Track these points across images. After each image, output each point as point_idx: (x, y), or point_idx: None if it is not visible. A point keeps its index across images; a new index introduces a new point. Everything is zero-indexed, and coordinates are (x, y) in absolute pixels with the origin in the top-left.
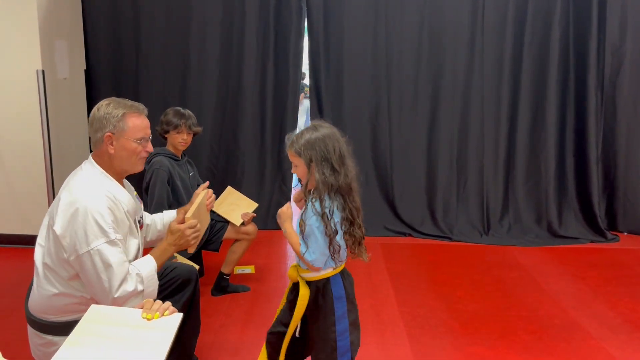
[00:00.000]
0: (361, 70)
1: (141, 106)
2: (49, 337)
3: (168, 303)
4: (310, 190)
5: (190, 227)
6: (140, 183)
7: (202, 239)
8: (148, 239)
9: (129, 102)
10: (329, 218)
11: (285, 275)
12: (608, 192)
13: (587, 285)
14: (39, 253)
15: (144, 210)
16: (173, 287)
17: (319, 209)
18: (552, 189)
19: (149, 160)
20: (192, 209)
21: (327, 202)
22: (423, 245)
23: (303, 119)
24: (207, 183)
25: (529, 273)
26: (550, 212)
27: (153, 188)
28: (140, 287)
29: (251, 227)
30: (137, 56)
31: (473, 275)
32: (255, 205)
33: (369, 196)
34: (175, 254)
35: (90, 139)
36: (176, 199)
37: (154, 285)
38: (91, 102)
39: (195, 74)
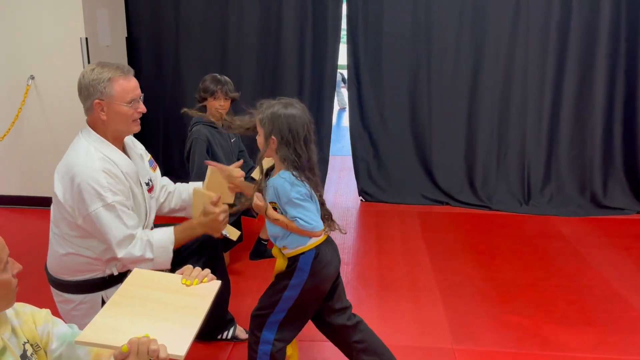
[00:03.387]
0: (400, 36)
1: (126, 67)
2: (66, 295)
3: (207, 270)
4: (266, 172)
5: (224, 212)
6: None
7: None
8: (172, 206)
9: (114, 65)
10: (301, 183)
11: None
12: None
13: (631, 256)
14: (51, 215)
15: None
16: (191, 250)
17: (288, 177)
18: (597, 159)
19: (189, 129)
20: (205, 184)
21: (293, 173)
22: (461, 214)
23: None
24: (240, 162)
25: (571, 243)
26: (594, 182)
27: (192, 157)
28: (149, 255)
29: None
30: (176, 24)
31: (511, 244)
32: None
33: (406, 164)
34: None
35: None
36: None
37: (166, 256)
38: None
39: (234, 42)
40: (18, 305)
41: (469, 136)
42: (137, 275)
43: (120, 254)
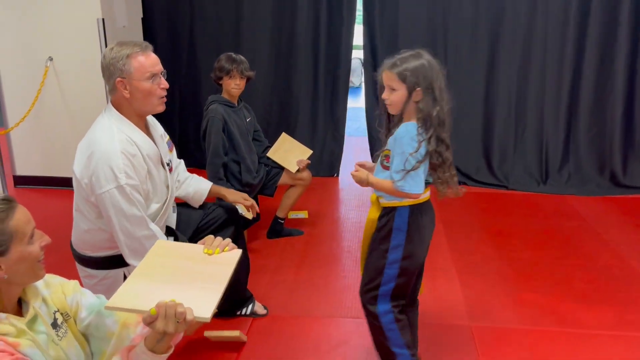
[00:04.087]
0: (416, 16)
1: (144, 44)
2: (89, 270)
3: (228, 240)
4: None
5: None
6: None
7: (258, 185)
8: (176, 194)
9: (132, 43)
10: (421, 145)
11: (338, 221)
12: None
13: None
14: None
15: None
16: (213, 228)
17: (413, 129)
18: (617, 137)
19: (205, 108)
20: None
21: (421, 130)
22: (478, 194)
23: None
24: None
25: (589, 223)
26: (614, 161)
27: (209, 137)
28: (148, 247)
29: (306, 173)
30: (191, 4)
31: (529, 223)
32: (309, 151)
33: None
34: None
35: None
36: (232, 146)
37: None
38: None
39: (248, 22)
40: (48, 277)
41: (486, 115)
42: (160, 246)
43: (123, 240)
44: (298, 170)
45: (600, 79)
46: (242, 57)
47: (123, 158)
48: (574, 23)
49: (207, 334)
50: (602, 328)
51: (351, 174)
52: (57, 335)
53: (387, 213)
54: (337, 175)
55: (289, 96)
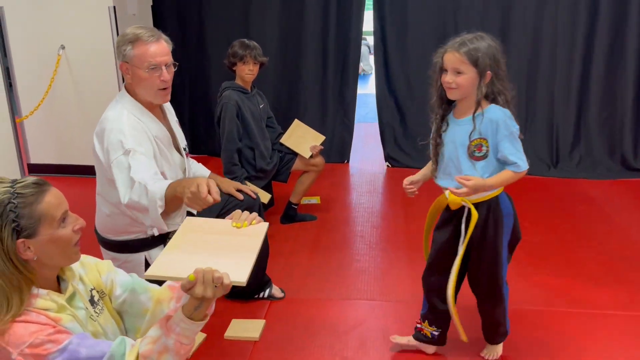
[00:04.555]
0: (427, 1)
1: (153, 31)
2: (112, 254)
3: (255, 214)
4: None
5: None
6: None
7: (272, 171)
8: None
9: (143, 29)
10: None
11: (350, 206)
12: None
13: None
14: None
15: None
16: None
17: (508, 112)
18: (628, 120)
19: (219, 95)
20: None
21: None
22: None
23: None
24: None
25: (600, 206)
26: (625, 144)
27: (223, 123)
28: (144, 202)
29: (319, 159)
30: None
31: (540, 207)
32: (322, 137)
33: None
34: (249, 184)
35: None
36: (246, 132)
37: (154, 207)
38: None
39: (257, 9)
40: (82, 257)
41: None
42: (190, 221)
43: (126, 200)
44: (311, 156)
45: (611, 62)
46: (255, 43)
47: (131, 129)
48: (585, 6)
49: (227, 335)
50: (615, 308)
51: (463, 184)
52: (95, 311)
53: (489, 206)
54: (348, 162)
55: (298, 82)
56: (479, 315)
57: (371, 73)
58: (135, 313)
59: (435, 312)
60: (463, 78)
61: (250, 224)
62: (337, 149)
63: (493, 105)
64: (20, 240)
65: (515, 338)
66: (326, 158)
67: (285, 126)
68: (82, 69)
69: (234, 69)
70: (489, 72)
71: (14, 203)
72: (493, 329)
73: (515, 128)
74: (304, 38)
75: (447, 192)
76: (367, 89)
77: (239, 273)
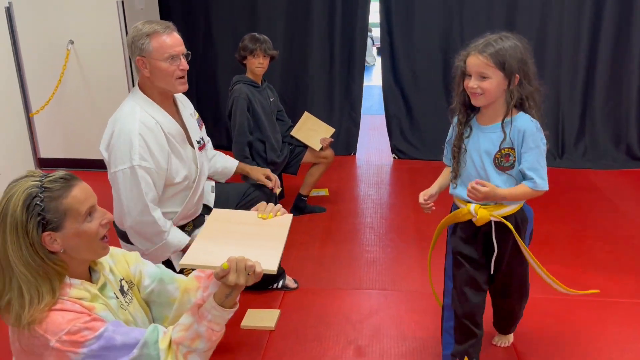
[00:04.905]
0: None
1: (166, 24)
2: (129, 245)
3: (279, 205)
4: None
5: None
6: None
7: (282, 164)
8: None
9: (155, 22)
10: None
11: (359, 198)
12: None
13: None
14: None
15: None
16: (241, 203)
17: (538, 124)
18: (633, 111)
19: (230, 88)
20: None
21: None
22: None
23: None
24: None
25: (606, 195)
26: (630, 134)
27: (234, 116)
28: (157, 240)
29: (329, 152)
30: None
31: (546, 197)
32: (332, 130)
33: (439, 121)
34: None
35: None
36: (257, 126)
37: (166, 253)
38: None
39: (264, 1)
40: (111, 249)
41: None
42: (217, 213)
43: (130, 218)
44: (321, 149)
45: (617, 53)
46: (265, 37)
47: (140, 140)
48: None
49: (244, 325)
50: (625, 296)
51: (475, 191)
52: (125, 301)
53: (516, 218)
54: (354, 154)
55: (305, 75)
56: (493, 308)
57: (374, 65)
58: (163, 302)
59: (475, 342)
60: (489, 83)
61: (275, 215)
62: (344, 141)
63: (522, 113)
64: (47, 233)
65: (526, 325)
66: (333, 150)
67: (292, 119)
68: (91, 64)
69: (244, 62)
70: (517, 75)
71: (41, 197)
72: (511, 322)
73: (543, 142)
74: (311, 30)
75: (472, 207)
76: (370, 81)
77: (269, 262)
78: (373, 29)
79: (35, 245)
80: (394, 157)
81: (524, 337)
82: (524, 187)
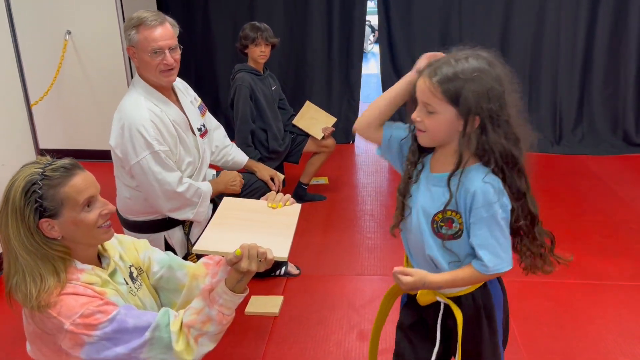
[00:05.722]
0: None
1: (157, 16)
2: (133, 234)
3: (288, 195)
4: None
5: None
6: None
7: (284, 152)
8: (215, 159)
9: (146, 14)
10: (509, 200)
11: (358, 186)
12: None
13: None
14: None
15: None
16: (256, 196)
17: (496, 182)
18: (630, 97)
19: (232, 77)
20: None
21: (499, 174)
22: None
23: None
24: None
25: (604, 181)
26: (627, 120)
27: (237, 104)
28: (196, 200)
29: (330, 141)
30: None
31: (544, 183)
32: (334, 119)
33: None
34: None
35: None
36: (259, 114)
37: (205, 205)
38: None
39: None
40: (120, 236)
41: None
42: (228, 201)
43: (169, 204)
44: (323, 138)
45: (614, 39)
46: (266, 25)
47: (152, 126)
48: None
49: (248, 311)
50: (623, 279)
51: (399, 280)
52: (135, 287)
53: (479, 297)
54: (353, 142)
55: (304, 63)
56: None
57: (370, 52)
58: (172, 288)
59: None
60: (434, 120)
61: (285, 205)
62: (343, 130)
63: (479, 166)
64: (44, 219)
65: (526, 309)
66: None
67: (293, 108)
68: (89, 54)
69: (245, 51)
70: (477, 116)
71: (40, 184)
72: None
73: (502, 211)
74: (309, 17)
75: None
76: (367, 69)
77: (281, 249)
78: (371, 17)
79: (32, 231)
80: None
81: (524, 321)
82: (470, 270)
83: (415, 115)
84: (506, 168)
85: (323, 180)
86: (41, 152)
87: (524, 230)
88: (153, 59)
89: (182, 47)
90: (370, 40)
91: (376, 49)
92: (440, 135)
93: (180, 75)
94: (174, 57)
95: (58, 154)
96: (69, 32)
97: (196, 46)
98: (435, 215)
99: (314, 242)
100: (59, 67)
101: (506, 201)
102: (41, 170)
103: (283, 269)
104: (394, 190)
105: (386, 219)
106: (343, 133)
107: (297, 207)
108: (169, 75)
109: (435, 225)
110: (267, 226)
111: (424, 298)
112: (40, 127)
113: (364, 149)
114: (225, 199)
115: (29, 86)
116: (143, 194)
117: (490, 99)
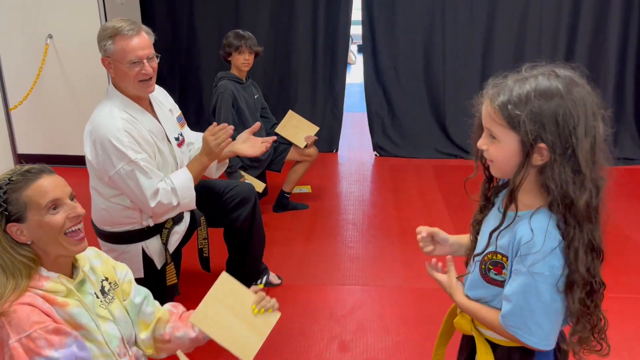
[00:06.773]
0: None
1: (133, 25)
2: (109, 245)
3: (274, 300)
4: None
5: (209, 132)
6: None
7: (266, 161)
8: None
9: (121, 23)
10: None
11: (341, 195)
12: None
13: None
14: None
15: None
16: (233, 204)
17: (551, 228)
18: (608, 110)
19: (214, 85)
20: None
21: (559, 229)
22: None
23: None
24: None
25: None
26: (622, 135)
27: (219, 111)
28: (175, 201)
29: (313, 149)
30: None
31: None
32: (316, 128)
33: (420, 119)
34: (243, 174)
35: None
36: (242, 122)
37: (189, 196)
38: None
39: None
40: (101, 253)
41: (483, 89)
42: (226, 280)
43: (152, 204)
44: (306, 146)
45: (593, 54)
46: (250, 33)
47: (126, 135)
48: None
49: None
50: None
51: (432, 274)
52: (105, 300)
53: (514, 353)
54: (337, 151)
55: (288, 72)
56: None
57: (354, 63)
58: (134, 320)
59: None
60: (499, 149)
61: (267, 311)
62: (326, 139)
63: (543, 211)
64: (12, 224)
65: None
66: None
67: (275, 116)
68: (70, 59)
69: (229, 59)
70: (541, 144)
71: (4, 189)
72: None
73: (544, 267)
74: (294, 27)
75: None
76: (350, 78)
77: (247, 351)
78: (353, 26)
79: (0, 236)
80: (376, 155)
81: None
82: (492, 313)
83: (480, 143)
84: (569, 215)
85: (306, 189)
86: (19, 157)
87: (584, 308)
88: (131, 70)
89: (159, 55)
90: (353, 52)
91: (360, 58)
92: (506, 167)
93: (164, 82)
94: (152, 66)
95: (37, 159)
96: (50, 36)
97: (180, 53)
98: (486, 254)
99: (296, 252)
100: (40, 71)
101: (556, 257)
102: (9, 175)
103: (264, 278)
104: (376, 200)
105: (368, 228)
106: (326, 142)
107: (276, 316)
108: (148, 85)
109: (483, 266)
110: (247, 323)
111: (459, 322)
112: (19, 131)
113: (347, 158)
114: (224, 274)
115: (8, 90)
116: (131, 201)
117: (561, 127)
